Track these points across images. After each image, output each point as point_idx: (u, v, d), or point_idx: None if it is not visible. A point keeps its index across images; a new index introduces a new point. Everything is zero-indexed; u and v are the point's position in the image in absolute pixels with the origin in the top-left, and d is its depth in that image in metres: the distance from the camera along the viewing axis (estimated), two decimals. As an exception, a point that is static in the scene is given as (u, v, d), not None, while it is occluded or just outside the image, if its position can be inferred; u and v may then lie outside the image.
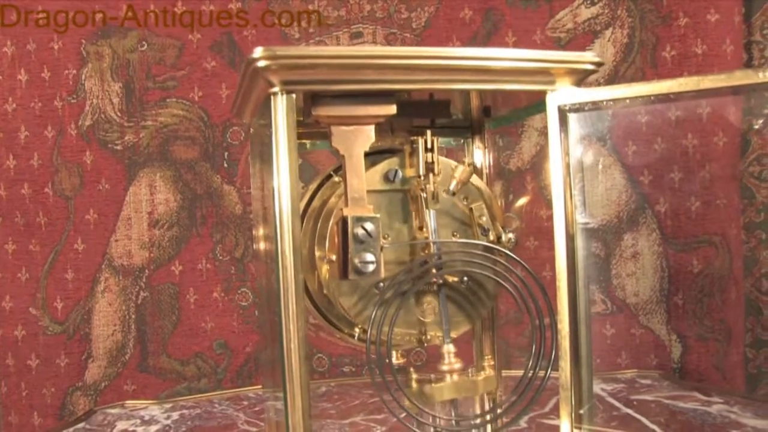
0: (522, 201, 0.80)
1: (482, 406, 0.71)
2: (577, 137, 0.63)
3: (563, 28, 1.57)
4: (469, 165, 0.65)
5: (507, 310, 0.87)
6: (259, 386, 1.52)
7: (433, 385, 0.66)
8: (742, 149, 1.51)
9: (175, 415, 1.36)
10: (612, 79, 1.55)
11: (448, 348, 0.67)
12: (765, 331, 1.51)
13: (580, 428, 0.64)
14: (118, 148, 1.56)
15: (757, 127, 1.50)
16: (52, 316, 1.57)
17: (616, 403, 1.28)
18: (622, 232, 1.55)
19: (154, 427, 1.29)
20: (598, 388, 1.39)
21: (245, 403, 1.43)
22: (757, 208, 1.50)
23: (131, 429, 1.29)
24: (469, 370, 0.68)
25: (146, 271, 1.57)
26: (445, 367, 0.67)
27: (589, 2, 1.56)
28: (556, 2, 1.57)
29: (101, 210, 1.57)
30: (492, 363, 0.69)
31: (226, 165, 1.58)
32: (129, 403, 1.47)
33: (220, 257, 1.58)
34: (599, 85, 1.55)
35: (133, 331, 1.58)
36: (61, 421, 1.51)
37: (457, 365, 0.67)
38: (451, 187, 0.65)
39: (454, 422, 0.67)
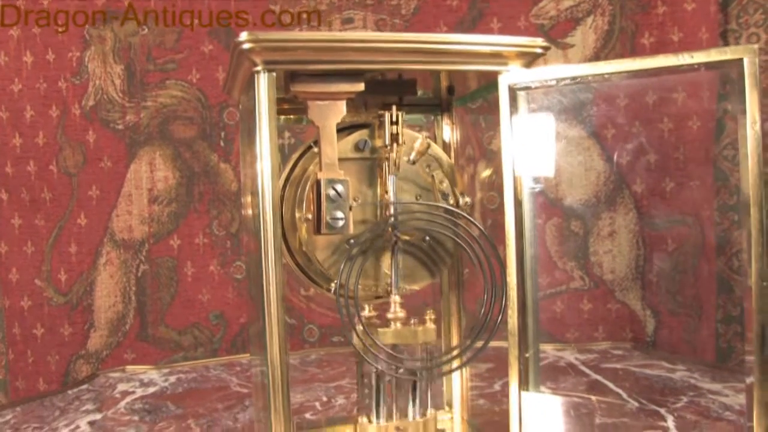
0: (488, 172, 0.88)
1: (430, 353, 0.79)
2: (529, 112, 0.71)
3: (546, 15, 1.63)
4: (426, 137, 0.73)
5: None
6: (253, 354, 1.59)
7: (378, 329, 0.75)
8: (717, 133, 1.57)
9: (173, 379, 1.44)
10: (593, 65, 1.62)
11: (395, 299, 0.76)
12: (735, 307, 1.57)
13: (527, 387, 0.72)
14: (120, 127, 1.63)
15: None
16: (56, 287, 1.64)
17: (587, 370, 1.36)
18: (599, 211, 1.62)
19: (152, 389, 1.37)
20: (572, 357, 1.47)
21: (238, 368, 1.51)
22: (730, 190, 1.56)
23: (131, 390, 1.37)
24: (412, 321, 0.77)
25: (146, 245, 1.65)
26: (390, 315, 0.76)
27: (571, -10, 1.63)
28: (540, -11, 1.63)
29: (103, 186, 1.64)
30: (433, 317, 0.77)
31: (222, 144, 1.65)
32: (129, 367, 1.55)
33: (217, 232, 1.65)
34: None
35: (133, 302, 1.65)
36: (66, 385, 1.58)
37: (401, 314, 0.76)
38: (411, 157, 0.73)
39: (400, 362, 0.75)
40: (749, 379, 0.59)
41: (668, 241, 1.58)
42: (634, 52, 1.60)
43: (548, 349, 1.54)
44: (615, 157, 1.61)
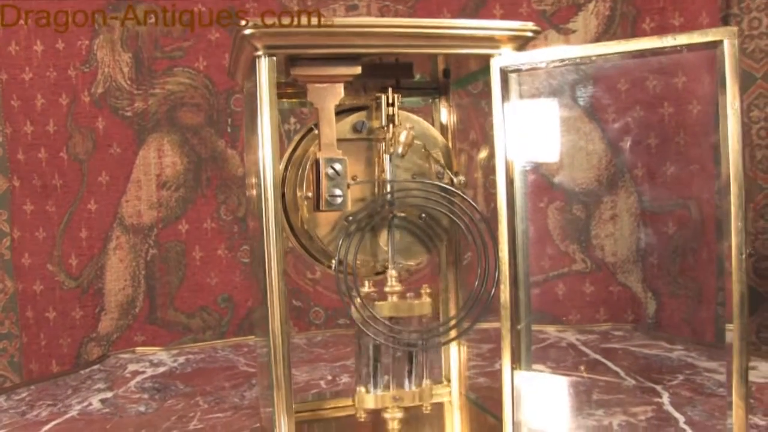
0: (484, 153, 0.90)
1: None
2: (523, 94, 0.73)
3: (548, 1, 1.65)
4: (411, 128, 0.76)
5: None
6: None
7: (375, 302, 0.77)
8: (717, 117, 1.58)
9: (181, 359, 1.48)
10: (594, 51, 1.63)
11: (392, 273, 0.79)
12: (736, 289, 1.59)
13: (518, 366, 0.75)
14: (128, 114, 1.66)
15: None
16: (67, 271, 1.68)
17: (587, 350, 1.38)
18: (601, 195, 1.64)
19: (161, 369, 1.41)
20: (573, 338, 1.49)
21: (245, 349, 1.54)
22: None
23: (141, 370, 1.40)
24: (408, 295, 0.79)
25: (155, 229, 1.68)
26: (387, 289, 0.79)
27: (573, -24, 1.64)
28: (543, -24, 1.65)
29: (113, 172, 1.67)
30: (429, 291, 0.79)
31: (229, 130, 1.68)
32: (139, 349, 1.59)
33: (224, 217, 1.69)
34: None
35: (143, 286, 1.68)
36: (78, 366, 1.62)
37: (398, 288, 0.78)
38: (399, 151, 0.76)
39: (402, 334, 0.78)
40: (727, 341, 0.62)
41: (669, 224, 1.60)
42: (635, 37, 1.61)
43: (550, 330, 1.57)
44: (621, 142, 1.62)
